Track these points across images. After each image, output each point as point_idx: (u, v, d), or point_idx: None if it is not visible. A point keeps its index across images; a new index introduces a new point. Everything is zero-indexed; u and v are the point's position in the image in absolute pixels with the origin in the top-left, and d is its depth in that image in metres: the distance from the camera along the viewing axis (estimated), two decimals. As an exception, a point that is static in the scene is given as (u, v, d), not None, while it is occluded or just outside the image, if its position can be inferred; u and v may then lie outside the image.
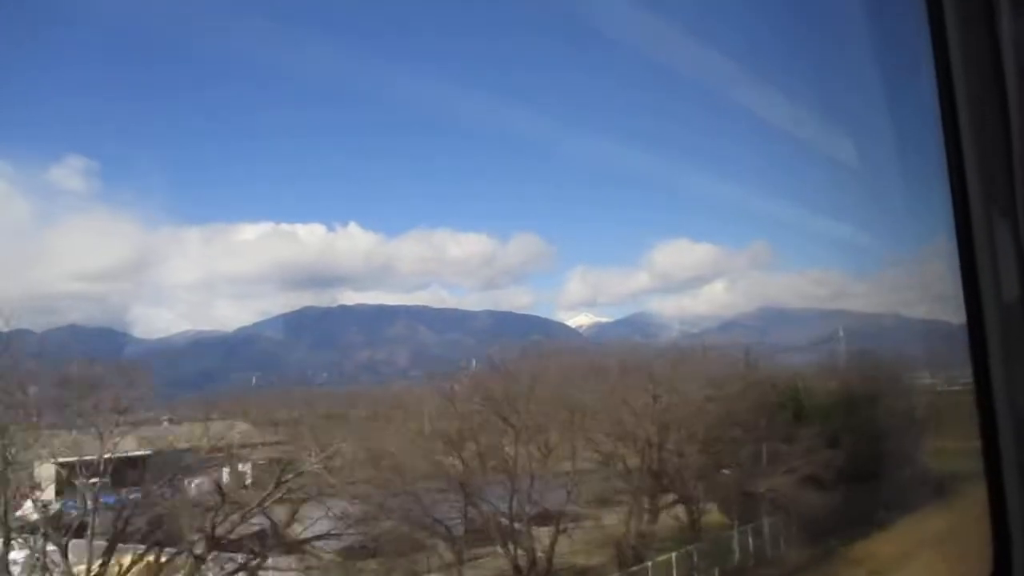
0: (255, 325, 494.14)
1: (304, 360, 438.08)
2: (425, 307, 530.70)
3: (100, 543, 21.68)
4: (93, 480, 21.71)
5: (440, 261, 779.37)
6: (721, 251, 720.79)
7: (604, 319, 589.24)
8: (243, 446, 28.78)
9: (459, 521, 27.22)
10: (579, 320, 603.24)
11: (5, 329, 23.92)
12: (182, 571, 22.28)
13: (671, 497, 32.80)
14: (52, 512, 22.28)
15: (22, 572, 21.03)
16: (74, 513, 22.43)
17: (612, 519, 31.44)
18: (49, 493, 25.20)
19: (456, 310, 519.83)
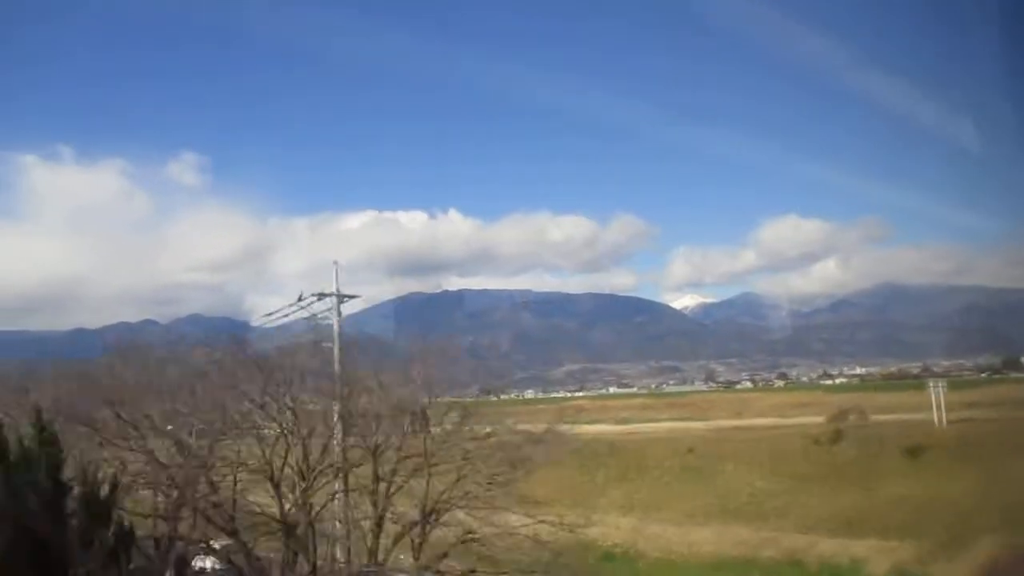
0: (362, 312, 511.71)
1: (409, 347, 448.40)
2: (527, 291, 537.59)
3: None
4: None
5: (540, 244, 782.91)
6: (832, 226, 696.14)
7: (710, 299, 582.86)
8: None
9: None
10: (684, 301, 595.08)
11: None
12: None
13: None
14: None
15: None
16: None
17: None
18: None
19: (558, 293, 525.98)
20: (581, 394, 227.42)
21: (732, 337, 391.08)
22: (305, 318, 30.10)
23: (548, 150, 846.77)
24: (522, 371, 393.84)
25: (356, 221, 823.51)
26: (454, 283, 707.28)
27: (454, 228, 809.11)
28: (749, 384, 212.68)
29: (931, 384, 38.36)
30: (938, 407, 36.87)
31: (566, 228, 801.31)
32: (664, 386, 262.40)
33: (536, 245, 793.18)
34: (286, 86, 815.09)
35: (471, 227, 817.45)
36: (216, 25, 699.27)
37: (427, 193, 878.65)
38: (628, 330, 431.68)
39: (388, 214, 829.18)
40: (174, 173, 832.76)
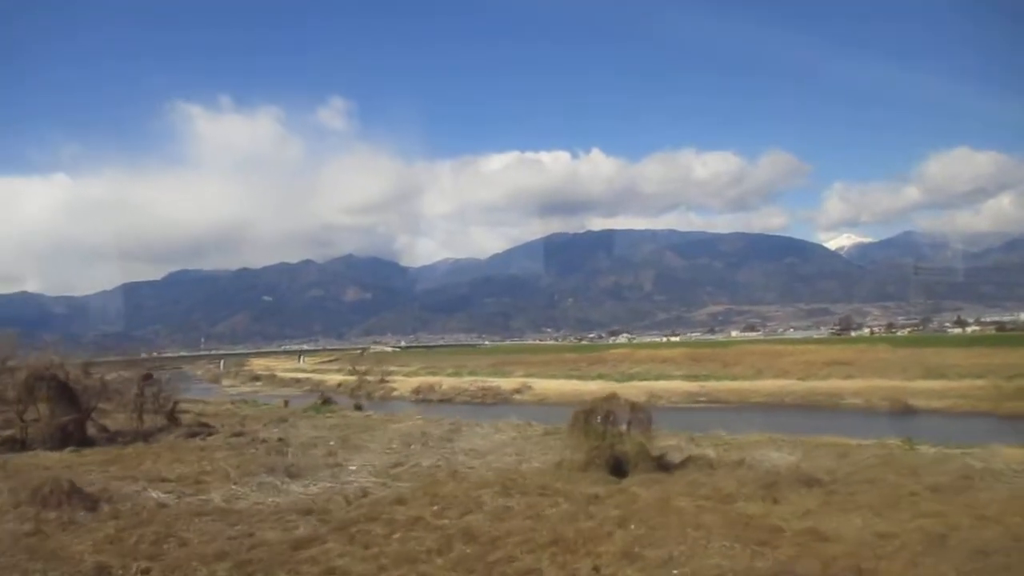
0: (506, 252, 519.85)
1: (552, 285, 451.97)
2: (672, 230, 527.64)
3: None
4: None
5: (685, 182, 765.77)
6: (1008, 160, 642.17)
7: (867, 239, 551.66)
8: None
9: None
10: (839, 241, 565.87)
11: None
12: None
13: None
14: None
15: None
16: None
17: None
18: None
19: (704, 233, 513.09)
20: (675, 338, 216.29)
21: (890, 279, 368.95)
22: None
23: (692, 85, 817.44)
24: (664, 312, 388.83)
25: (499, 162, 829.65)
26: (598, 223, 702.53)
27: (597, 168, 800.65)
28: (866, 332, 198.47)
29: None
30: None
31: (712, 165, 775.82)
32: (791, 331, 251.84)
33: (681, 183, 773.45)
34: (428, 30, 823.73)
35: (614, 166, 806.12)
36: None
37: (569, 133, 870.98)
38: (777, 271, 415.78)
39: (531, 155, 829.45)
40: (324, 118, 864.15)
